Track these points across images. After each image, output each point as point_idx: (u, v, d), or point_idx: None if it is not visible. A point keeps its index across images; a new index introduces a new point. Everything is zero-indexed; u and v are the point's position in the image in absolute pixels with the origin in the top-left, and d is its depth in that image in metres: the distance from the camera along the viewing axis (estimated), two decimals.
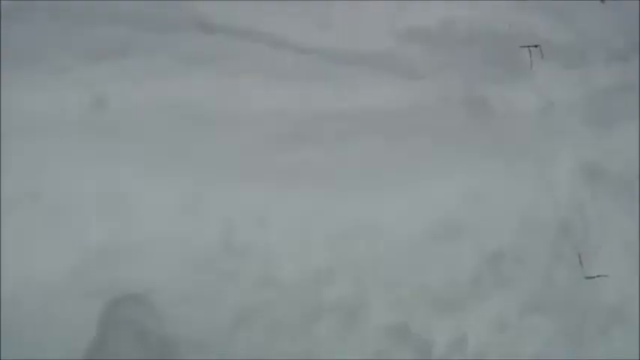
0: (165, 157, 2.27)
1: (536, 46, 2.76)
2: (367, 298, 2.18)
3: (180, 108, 2.42)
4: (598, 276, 2.40)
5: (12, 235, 2.02)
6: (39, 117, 2.28)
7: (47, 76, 2.41)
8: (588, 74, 2.79)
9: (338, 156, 2.40)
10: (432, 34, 2.87)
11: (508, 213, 2.39)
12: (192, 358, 2.04)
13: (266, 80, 2.59)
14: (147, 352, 2.03)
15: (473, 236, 2.32)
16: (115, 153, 2.24)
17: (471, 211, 2.35)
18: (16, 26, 2.63)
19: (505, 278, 2.30)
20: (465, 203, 2.36)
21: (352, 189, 2.33)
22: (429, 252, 2.27)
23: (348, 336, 2.14)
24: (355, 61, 2.76)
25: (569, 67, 2.78)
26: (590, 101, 2.73)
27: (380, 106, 2.60)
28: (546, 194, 2.45)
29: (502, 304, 2.27)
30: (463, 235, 2.32)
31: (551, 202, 2.44)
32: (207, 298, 2.09)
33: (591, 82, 2.78)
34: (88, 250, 2.06)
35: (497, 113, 2.64)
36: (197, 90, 2.48)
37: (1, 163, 2.11)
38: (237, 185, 2.25)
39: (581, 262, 2.40)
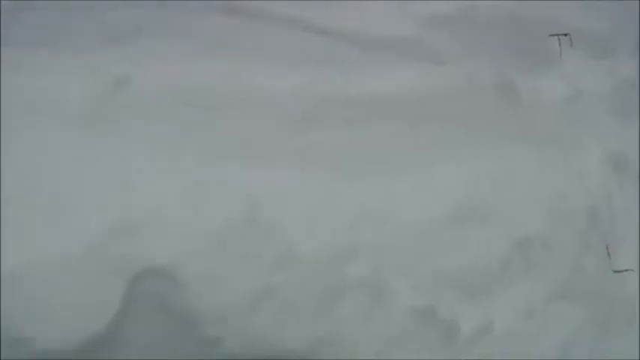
0: (184, 137, 2.23)
1: (565, 35, 2.73)
2: (391, 280, 2.13)
3: (195, 90, 2.39)
4: (626, 270, 2.37)
5: (33, 211, 1.98)
6: (58, 97, 2.25)
7: (65, 57, 2.38)
8: (616, 65, 2.76)
9: (364, 138, 2.37)
10: (458, 20, 2.84)
11: (536, 200, 2.35)
12: (214, 334, 2.00)
13: (285, 63, 2.56)
14: (168, 326, 1.99)
15: (501, 222, 2.28)
16: (135, 132, 2.20)
17: (499, 196, 2.32)
18: (34, 8, 2.60)
19: (532, 265, 2.26)
20: (493, 188, 2.33)
21: (376, 171, 2.30)
22: (455, 236, 2.23)
23: (372, 317, 2.10)
24: (380, 46, 2.73)
25: (598, 57, 2.75)
26: (618, 92, 2.70)
27: (404, 91, 2.57)
28: (574, 182, 2.42)
29: (529, 291, 2.23)
30: (491, 220, 2.28)
31: (579, 191, 2.40)
32: (230, 274, 2.05)
33: (619, 72, 2.75)
34: (111, 225, 2.01)
35: (525, 100, 2.61)
36: (214, 72, 2.46)
37: (18, 143, 2.08)
38: (259, 165, 2.21)
39: (609, 254, 2.36)
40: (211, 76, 2.41)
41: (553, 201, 2.37)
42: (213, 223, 2.07)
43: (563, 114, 2.59)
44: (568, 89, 2.65)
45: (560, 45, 2.74)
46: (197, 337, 2.00)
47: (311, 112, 2.36)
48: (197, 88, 2.36)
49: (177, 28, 2.57)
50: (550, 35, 2.76)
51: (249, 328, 2.02)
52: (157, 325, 1.99)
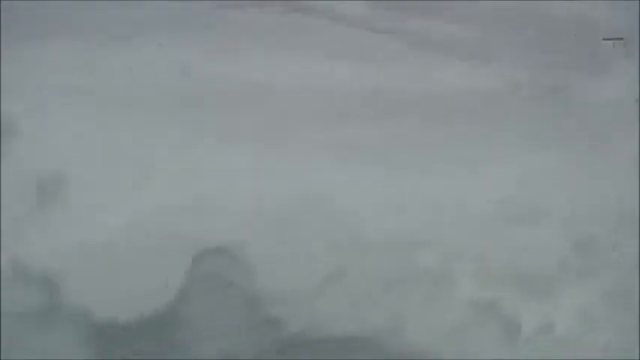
0: (252, 123, 2.28)
1: (620, 39, 2.73)
2: (455, 273, 2.12)
3: (259, 82, 2.43)
4: None
5: (104, 190, 2.01)
6: (129, 82, 2.31)
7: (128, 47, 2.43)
8: None
9: (429, 134, 2.39)
10: (511, 22, 2.85)
11: (594, 201, 2.35)
12: (277, 315, 1.97)
13: (335, 58, 2.56)
14: (231, 305, 1.96)
15: (560, 222, 2.28)
16: (202, 118, 2.26)
17: (559, 196, 2.32)
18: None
19: (591, 266, 2.25)
20: (552, 188, 2.33)
21: (445, 165, 2.31)
22: (516, 234, 2.23)
23: (434, 307, 2.08)
24: (429, 45, 2.74)
25: None
26: None
27: (458, 90, 2.59)
28: (630, 185, 2.41)
29: (587, 292, 2.21)
30: (550, 220, 2.27)
31: (635, 193, 2.40)
32: (296, 257, 2.03)
33: None
34: (179, 204, 2.03)
35: (578, 103, 2.61)
36: (271, 66, 2.48)
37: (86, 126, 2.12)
38: (329, 152, 2.23)
39: None
40: (270, 70, 2.46)
41: (609, 203, 2.36)
42: (281, 206, 2.07)
43: (618, 116, 2.59)
44: (621, 92, 2.65)
45: (613, 49, 2.74)
46: (260, 317, 1.97)
47: (383, 105, 2.40)
48: (259, 82, 2.41)
49: (239, 24, 2.62)
50: (604, 39, 2.76)
51: (312, 311, 1.99)
52: (220, 303, 1.97)
